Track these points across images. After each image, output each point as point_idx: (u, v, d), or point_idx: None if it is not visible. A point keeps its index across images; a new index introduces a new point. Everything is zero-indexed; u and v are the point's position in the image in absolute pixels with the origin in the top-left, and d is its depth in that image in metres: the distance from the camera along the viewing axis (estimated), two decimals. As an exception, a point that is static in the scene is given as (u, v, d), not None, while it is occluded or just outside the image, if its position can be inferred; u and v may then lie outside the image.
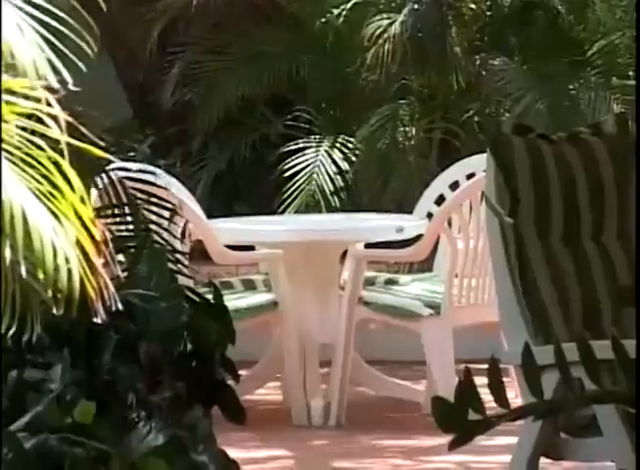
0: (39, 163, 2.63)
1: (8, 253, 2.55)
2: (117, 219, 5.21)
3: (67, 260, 2.61)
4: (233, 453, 4.73)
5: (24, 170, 2.59)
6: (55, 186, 2.63)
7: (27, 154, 2.60)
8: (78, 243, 2.64)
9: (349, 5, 10.90)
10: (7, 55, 2.51)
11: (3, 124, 2.55)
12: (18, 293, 2.66)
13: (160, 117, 10.99)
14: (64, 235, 2.63)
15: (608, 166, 6.11)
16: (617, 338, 5.37)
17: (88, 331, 3.83)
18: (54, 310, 2.72)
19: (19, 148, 2.59)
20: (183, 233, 5.60)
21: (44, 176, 2.63)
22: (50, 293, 2.65)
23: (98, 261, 2.75)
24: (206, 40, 10.98)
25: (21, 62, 2.54)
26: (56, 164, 2.64)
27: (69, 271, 2.61)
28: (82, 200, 2.67)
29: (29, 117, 2.61)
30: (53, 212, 2.61)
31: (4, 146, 2.52)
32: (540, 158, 6.12)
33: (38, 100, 2.61)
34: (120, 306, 2.95)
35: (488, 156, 6.09)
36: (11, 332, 2.70)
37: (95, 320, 3.04)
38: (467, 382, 5.23)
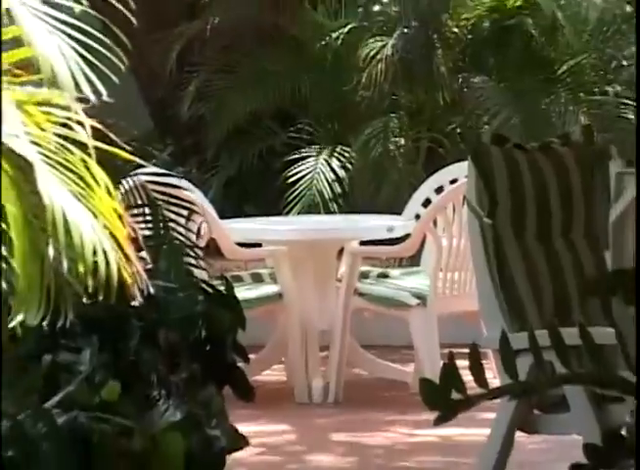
0: (68, 168, 2.63)
1: (51, 249, 2.56)
2: (140, 219, 5.21)
3: (104, 253, 2.61)
4: (242, 428, 4.74)
5: (62, 173, 2.59)
6: (88, 186, 2.64)
7: (64, 158, 2.60)
8: (112, 237, 2.64)
9: (346, 29, 10.89)
10: (48, 70, 2.51)
11: (41, 132, 2.54)
12: (53, 285, 2.66)
13: (177, 128, 10.99)
14: (100, 230, 2.63)
15: (575, 173, 6.12)
16: (585, 326, 5.39)
17: (115, 319, 3.83)
18: (85, 300, 2.72)
19: (55, 152, 2.58)
20: (198, 232, 5.60)
21: (80, 178, 2.63)
22: (89, 283, 2.65)
23: (132, 252, 2.76)
24: (218, 61, 10.98)
25: (59, 76, 2.54)
26: (87, 167, 2.64)
27: (107, 262, 2.61)
28: (111, 196, 2.69)
29: (64, 125, 2.61)
30: (88, 211, 2.62)
31: (42, 151, 2.52)
32: (516, 165, 6.12)
33: (71, 110, 2.61)
34: (144, 296, 2.95)
35: (469, 163, 6.09)
36: (46, 320, 2.69)
37: (132, 303, 3.05)
38: (450, 365, 5.24)
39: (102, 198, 2.67)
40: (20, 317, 2.66)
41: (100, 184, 2.65)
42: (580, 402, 5.22)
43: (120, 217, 2.74)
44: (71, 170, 2.64)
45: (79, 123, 2.59)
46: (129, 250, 2.74)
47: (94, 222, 2.63)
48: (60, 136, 2.61)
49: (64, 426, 4.19)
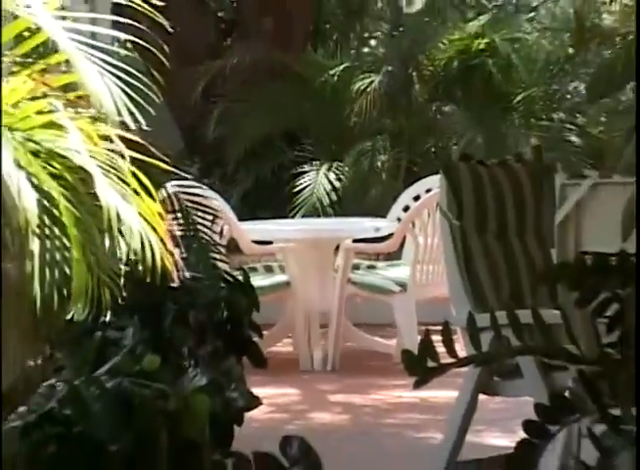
0: (120, 177, 2.64)
1: (107, 241, 2.56)
2: (174, 221, 5.25)
3: (149, 244, 2.62)
4: (256, 391, 4.73)
5: (115, 182, 2.60)
6: (135, 193, 2.64)
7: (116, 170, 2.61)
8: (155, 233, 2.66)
9: (341, 68, 10.89)
10: (98, 104, 2.50)
11: (94, 147, 2.55)
12: (103, 276, 2.67)
13: (203, 148, 10.96)
14: (145, 226, 2.64)
15: (527, 185, 6.12)
16: (536, 308, 5.39)
17: (153, 303, 3.85)
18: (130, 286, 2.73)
19: (109, 165, 2.59)
20: (221, 232, 5.62)
21: (128, 185, 2.64)
22: (139, 268, 2.65)
23: (170, 245, 2.77)
24: (237, 93, 10.97)
25: (107, 110, 2.53)
26: (135, 177, 2.65)
27: (152, 253, 2.62)
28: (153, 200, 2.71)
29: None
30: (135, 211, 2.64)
31: (99, 163, 2.53)
32: (479, 178, 6.11)
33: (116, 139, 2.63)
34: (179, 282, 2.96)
35: (441, 176, 6.08)
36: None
37: (171, 285, 3.07)
38: (426, 339, 5.24)
39: (146, 201, 2.68)
40: (79, 303, 2.67)
41: (144, 191, 2.66)
42: (531, 370, 5.22)
43: (161, 217, 2.75)
44: (122, 180, 2.65)
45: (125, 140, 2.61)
46: (169, 243, 2.75)
47: (141, 220, 2.64)
48: (112, 151, 2.62)
49: (111, 390, 4.19)
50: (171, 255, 2.74)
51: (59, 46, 2.55)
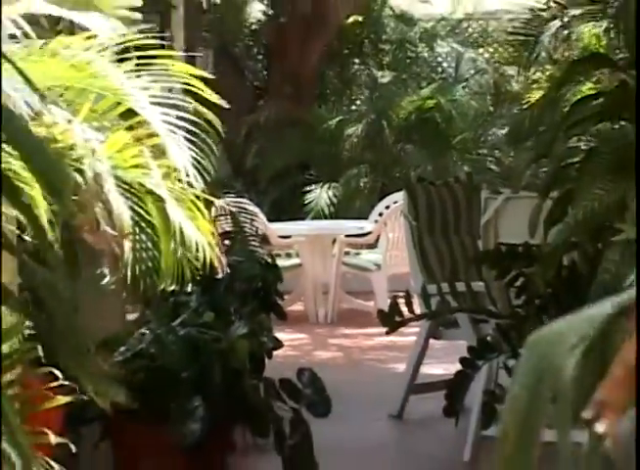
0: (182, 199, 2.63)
1: (172, 244, 2.56)
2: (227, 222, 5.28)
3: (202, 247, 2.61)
4: (279, 336, 4.74)
5: (179, 203, 2.57)
6: (193, 209, 2.63)
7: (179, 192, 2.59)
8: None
9: (337, 119, 10.85)
10: (166, 150, 2.50)
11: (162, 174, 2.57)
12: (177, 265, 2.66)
13: (245, 173, 10.91)
14: (199, 234, 2.63)
15: (462, 198, 6.09)
16: (468, 281, 5.38)
17: (209, 277, 3.83)
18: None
19: (171, 189, 2.56)
20: (257, 230, 5.61)
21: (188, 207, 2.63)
22: (195, 263, 2.64)
23: (218, 247, 2.75)
24: (267, 135, 10.92)
25: (173, 156, 2.51)
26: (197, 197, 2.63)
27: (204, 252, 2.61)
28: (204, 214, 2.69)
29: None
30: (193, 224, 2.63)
31: (167, 191, 2.54)
32: (429, 193, 6.08)
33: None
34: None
35: (404, 193, 6.08)
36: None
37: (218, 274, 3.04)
38: (394, 302, 5.25)
39: (202, 217, 2.67)
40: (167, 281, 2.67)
41: (199, 208, 2.65)
42: (465, 322, 5.20)
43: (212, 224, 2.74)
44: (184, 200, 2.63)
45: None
46: (216, 246, 2.73)
47: (196, 230, 2.62)
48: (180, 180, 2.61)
49: (182, 336, 4.19)
50: (217, 255, 2.73)
51: (144, 113, 2.52)
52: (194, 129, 2.62)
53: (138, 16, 2.68)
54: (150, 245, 2.63)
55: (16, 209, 2.23)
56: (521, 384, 0.89)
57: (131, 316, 4.67)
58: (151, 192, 2.53)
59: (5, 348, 2.16)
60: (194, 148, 2.61)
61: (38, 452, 2.24)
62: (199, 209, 2.65)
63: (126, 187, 2.50)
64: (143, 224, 2.59)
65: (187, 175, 2.55)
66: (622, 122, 4.42)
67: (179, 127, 2.56)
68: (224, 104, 2.64)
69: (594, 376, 0.85)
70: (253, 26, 11.45)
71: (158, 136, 2.53)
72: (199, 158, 2.62)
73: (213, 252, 2.68)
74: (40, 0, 2.48)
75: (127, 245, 2.46)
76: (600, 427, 0.81)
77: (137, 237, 2.57)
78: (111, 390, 2.43)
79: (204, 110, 2.60)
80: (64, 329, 1.71)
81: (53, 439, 2.30)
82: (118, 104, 2.55)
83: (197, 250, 2.59)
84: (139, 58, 2.59)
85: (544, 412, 0.86)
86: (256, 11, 11.32)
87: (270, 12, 11.39)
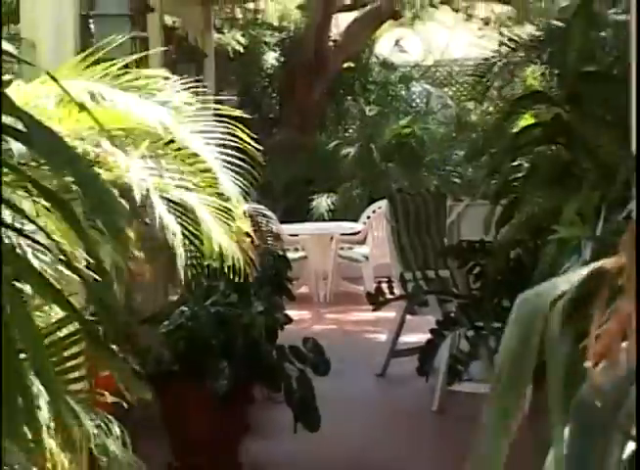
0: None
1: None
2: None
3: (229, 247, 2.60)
4: (289, 313, 4.72)
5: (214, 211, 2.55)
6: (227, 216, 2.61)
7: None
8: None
9: (334, 144, 10.82)
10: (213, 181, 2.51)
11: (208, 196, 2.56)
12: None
13: (262, 186, 10.90)
14: (228, 236, 2.62)
15: (432, 205, 6.09)
16: (437, 270, 5.38)
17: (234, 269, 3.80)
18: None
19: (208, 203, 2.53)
20: (271, 230, 5.59)
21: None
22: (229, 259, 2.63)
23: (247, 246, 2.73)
24: (278, 156, 10.88)
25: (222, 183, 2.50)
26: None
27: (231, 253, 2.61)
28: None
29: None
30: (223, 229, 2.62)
31: (208, 207, 2.52)
32: (406, 201, 6.07)
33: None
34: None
35: (386, 200, 6.08)
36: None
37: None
38: (378, 286, 5.25)
39: (234, 222, 2.66)
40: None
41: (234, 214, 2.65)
42: (434, 302, 5.17)
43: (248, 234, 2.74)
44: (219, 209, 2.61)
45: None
46: (246, 246, 2.72)
47: (224, 234, 2.61)
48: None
49: (213, 313, 4.17)
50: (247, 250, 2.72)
51: (190, 144, 2.53)
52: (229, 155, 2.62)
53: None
54: (192, 246, 2.63)
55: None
56: (512, 332, 0.87)
57: (173, 298, 4.66)
58: (191, 208, 2.53)
59: (71, 327, 2.16)
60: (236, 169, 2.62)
61: (100, 410, 2.25)
62: (233, 218, 2.64)
63: (177, 207, 2.50)
64: (187, 233, 2.58)
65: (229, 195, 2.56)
66: (557, 146, 4.43)
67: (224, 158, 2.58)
68: (255, 144, 2.66)
69: (578, 321, 0.84)
70: (269, 71, 11.44)
71: (207, 166, 2.53)
72: (238, 177, 2.63)
73: (243, 253, 2.68)
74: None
75: (179, 248, 2.46)
76: (595, 376, 0.79)
77: (184, 241, 2.56)
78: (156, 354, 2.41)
79: (239, 138, 2.61)
80: (114, 311, 1.70)
81: (110, 398, 2.30)
82: (172, 141, 2.55)
83: (221, 249, 2.60)
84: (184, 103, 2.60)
85: (534, 355, 0.85)
86: (272, 59, 11.32)
87: (282, 59, 11.38)
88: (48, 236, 1.77)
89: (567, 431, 0.79)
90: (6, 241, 1.08)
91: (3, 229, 1.11)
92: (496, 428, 0.84)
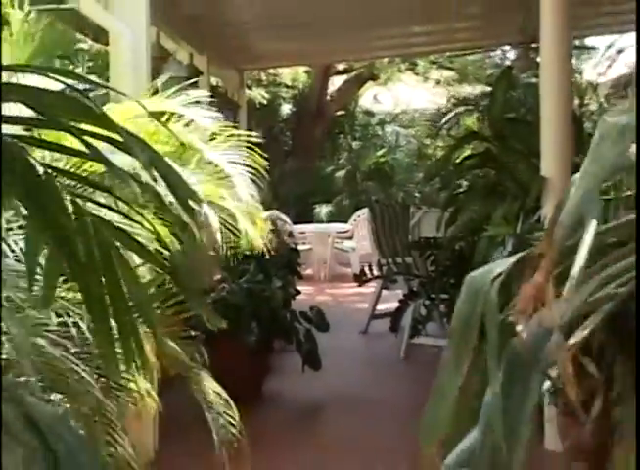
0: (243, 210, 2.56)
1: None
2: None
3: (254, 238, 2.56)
4: (299, 287, 4.70)
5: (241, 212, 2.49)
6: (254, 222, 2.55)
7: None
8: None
9: (330, 169, 10.80)
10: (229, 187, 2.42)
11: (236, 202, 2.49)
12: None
13: (279, 197, 10.81)
14: (253, 230, 2.56)
15: (400, 212, 6.03)
16: (403, 258, 5.34)
17: (258, 256, 3.77)
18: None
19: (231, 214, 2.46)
20: (287, 229, 5.57)
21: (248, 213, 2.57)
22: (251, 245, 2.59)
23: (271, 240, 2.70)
24: (290, 176, 10.81)
25: (238, 188, 2.45)
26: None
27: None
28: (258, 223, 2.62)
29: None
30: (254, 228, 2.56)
31: (240, 209, 2.44)
32: (382, 209, 5.98)
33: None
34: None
35: (368, 209, 6.03)
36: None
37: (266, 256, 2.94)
38: (362, 269, 5.21)
39: (256, 223, 2.61)
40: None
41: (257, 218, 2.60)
42: (401, 280, 5.14)
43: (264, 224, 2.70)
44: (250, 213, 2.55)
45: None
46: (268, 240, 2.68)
47: (255, 230, 2.57)
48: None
49: (245, 288, 4.15)
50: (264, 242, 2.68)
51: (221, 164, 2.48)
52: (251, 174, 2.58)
53: (220, 115, 2.64)
54: (230, 237, 2.61)
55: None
56: (463, 300, 0.88)
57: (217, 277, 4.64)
58: (229, 211, 2.49)
59: (155, 300, 2.14)
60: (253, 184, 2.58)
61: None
62: (257, 217, 2.62)
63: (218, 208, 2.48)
64: (225, 229, 2.55)
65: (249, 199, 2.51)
66: (487, 171, 4.42)
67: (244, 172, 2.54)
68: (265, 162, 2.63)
69: (509, 294, 0.85)
70: (284, 117, 11.42)
71: (229, 179, 2.49)
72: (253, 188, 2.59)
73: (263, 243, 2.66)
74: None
75: (218, 238, 2.44)
76: (517, 327, 0.80)
77: (223, 235, 2.53)
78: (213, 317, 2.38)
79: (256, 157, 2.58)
80: (188, 281, 1.69)
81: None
82: (211, 163, 2.52)
83: (251, 241, 2.57)
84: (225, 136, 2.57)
85: (478, 317, 0.84)
86: (286, 108, 11.33)
87: (293, 109, 11.37)
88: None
89: (501, 373, 0.80)
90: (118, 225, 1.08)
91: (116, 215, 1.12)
92: (452, 367, 0.85)
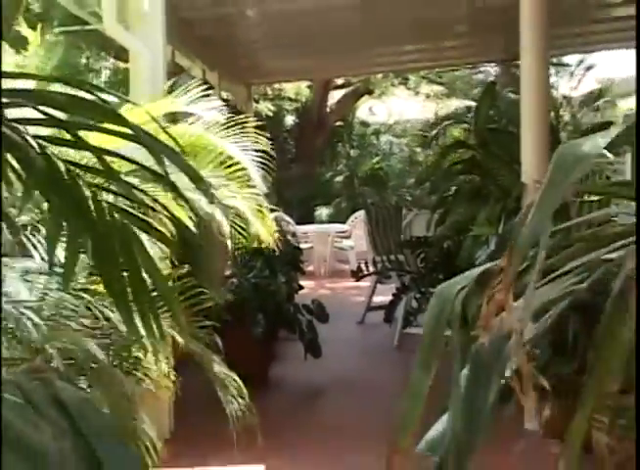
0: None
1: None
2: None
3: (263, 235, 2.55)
4: (302, 282, 4.69)
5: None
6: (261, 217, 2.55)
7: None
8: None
9: (329, 174, 10.76)
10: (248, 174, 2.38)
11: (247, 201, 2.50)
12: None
13: (284, 200, 10.77)
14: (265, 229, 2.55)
15: (393, 213, 5.99)
16: (396, 255, 5.34)
17: (268, 253, 3.79)
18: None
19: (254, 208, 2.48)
20: (290, 229, 5.56)
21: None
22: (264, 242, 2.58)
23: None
24: (295, 182, 10.78)
25: (252, 173, 2.40)
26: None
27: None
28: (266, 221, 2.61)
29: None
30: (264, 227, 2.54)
31: (250, 206, 2.43)
32: (377, 210, 5.99)
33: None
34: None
35: (364, 211, 6.02)
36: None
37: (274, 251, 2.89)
38: (359, 266, 5.20)
39: (264, 221, 2.61)
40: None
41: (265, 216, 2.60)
42: (394, 276, 5.12)
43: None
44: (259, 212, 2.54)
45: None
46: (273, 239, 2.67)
47: (263, 228, 2.57)
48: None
49: (252, 283, 4.14)
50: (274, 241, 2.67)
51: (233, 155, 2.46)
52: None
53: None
54: (238, 236, 2.60)
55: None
56: (432, 310, 0.90)
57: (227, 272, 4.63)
58: (239, 211, 2.49)
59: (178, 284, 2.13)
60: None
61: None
62: (266, 216, 2.62)
63: (228, 208, 2.47)
64: (234, 229, 2.55)
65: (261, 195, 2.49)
66: (472, 176, 4.43)
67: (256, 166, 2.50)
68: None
69: (473, 304, 0.86)
70: (288, 128, 11.43)
71: (243, 168, 2.45)
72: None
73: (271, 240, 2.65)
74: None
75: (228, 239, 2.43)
76: (481, 335, 0.81)
77: (233, 234, 2.53)
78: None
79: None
80: (205, 271, 1.70)
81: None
82: (221, 153, 2.49)
83: (259, 240, 2.56)
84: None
85: (444, 325, 0.86)
86: (290, 120, 11.34)
87: (296, 120, 11.38)
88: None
89: (464, 373, 0.81)
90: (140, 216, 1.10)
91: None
92: (422, 370, 0.86)
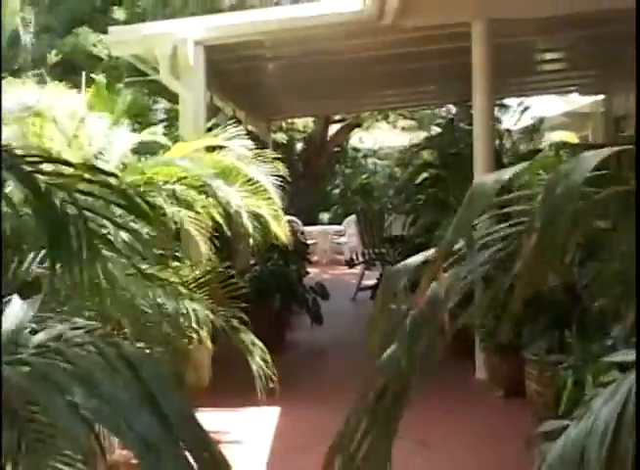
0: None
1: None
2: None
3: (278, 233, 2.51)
4: (309, 269, 4.64)
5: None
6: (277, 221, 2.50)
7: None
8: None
9: (329, 188, 10.64)
10: (265, 188, 2.35)
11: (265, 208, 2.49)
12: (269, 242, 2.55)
13: (294, 207, 10.67)
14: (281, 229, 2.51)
15: (375, 217, 5.95)
16: (380, 249, 5.30)
17: (283, 247, 3.70)
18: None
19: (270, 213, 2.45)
20: (299, 229, 5.51)
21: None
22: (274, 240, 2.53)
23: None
24: (303, 193, 10.59)
25: (271, 193, 2.37)
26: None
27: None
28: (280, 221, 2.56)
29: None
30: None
31: (268, 211, 2.39)
32: (365, 214, 5.96)
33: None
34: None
35: (355, 215, 5.97)
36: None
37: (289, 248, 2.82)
38: (351, 256, 5.19)
39: (280, 223, 2.57)
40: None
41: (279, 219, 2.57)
42: (379, 265, 5.12)
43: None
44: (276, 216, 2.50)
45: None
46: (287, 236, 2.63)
47: (279, 228, 2.53)
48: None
49: (271, 270, 4.10)
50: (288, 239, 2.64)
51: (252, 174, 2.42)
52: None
53: (252, 143, 2.67)
54: (259, 235, 2.59)
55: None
56: (380, 295, 0.91)
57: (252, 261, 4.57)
58: (259, 214, 2.47)
59: (199, 273, 2.11)
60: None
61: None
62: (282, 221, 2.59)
63: (250, 213, 2.45)
64: (256, 229, 2.51)
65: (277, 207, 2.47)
66: (437, 189, 4.43)
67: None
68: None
69: (416, 286, 0.86)
70: (298, 152, 11.40)
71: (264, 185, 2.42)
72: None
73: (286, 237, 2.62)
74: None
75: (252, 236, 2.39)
76: (415, 309, 0.81)
77: (254, 233, 2.50)
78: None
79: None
80: (237, 261, 1.69)
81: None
82: (246, 175, 2.44)
83: (276, 237, 2.55)
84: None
85: (391, 300, 0.86)
86: (299, 146, 11.32)
87: (304, 147, 11.36)
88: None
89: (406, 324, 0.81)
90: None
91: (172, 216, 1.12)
92: (378, 311, 0.87)
